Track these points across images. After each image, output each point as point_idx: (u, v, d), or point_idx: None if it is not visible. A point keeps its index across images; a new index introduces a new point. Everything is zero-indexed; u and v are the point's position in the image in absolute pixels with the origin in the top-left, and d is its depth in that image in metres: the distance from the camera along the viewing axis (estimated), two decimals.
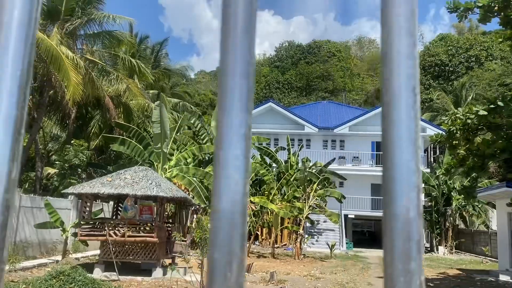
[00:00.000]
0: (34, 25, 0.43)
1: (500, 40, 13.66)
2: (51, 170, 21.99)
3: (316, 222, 25.93)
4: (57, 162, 19.63)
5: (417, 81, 0.46)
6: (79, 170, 18.75)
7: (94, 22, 19.66)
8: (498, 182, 20.80)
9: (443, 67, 56.38)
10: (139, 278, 12.37)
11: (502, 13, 12.63)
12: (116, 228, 12.88)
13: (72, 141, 19.26)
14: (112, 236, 12.66)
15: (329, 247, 21.77)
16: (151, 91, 27.15)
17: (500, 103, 11.36)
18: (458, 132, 12.61)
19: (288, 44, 77.28)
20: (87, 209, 13.29)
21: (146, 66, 23.83)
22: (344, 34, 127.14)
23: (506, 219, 17.85)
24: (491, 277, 16.71)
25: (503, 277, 16.45)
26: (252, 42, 0.47)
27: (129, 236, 12.72)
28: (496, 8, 12.58)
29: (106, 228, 12.80)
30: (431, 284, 14.15)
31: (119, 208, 14.74)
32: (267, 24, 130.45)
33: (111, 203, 16.10)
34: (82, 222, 13.11)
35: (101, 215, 15.70)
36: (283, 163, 25.11)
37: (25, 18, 0.42)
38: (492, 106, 11.68)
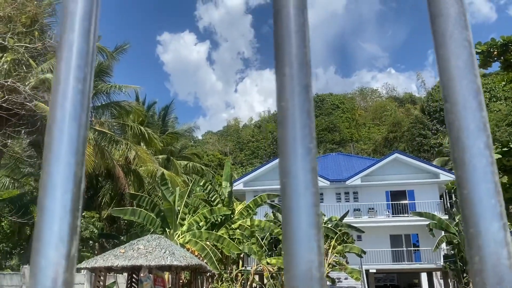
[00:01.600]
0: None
1: (503, 83, 13.73)
2: None
3: (337, 280, 24.97)
4: None
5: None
6: (91, 242, 18.48)
7: (101, 94, 20.22)
8: None
9: None
10: None
11: (501, 57, 12.78)
12: None
13: (83, 213, 19.17)
14: None
15: None
16: (160, 156, 27.37)
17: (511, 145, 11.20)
18: None
19: None
20: (101, 283, 12.93)
21: (155, 132, 24.17)
22: (346, 86, 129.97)
23: None
24: None
25: None
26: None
27: None
28: (495, 53, 12.75)
29: None
30: None
31: (133, 279, 14.34)
32: (269, 81, 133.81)
33: (125, 274, 15.71)
34: None
35: None
36: None
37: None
38: (505, 149, 11.51)
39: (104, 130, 20.41)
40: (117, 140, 20.14)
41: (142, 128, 21.14)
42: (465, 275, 26.48)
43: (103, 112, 21.05)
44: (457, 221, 25.57)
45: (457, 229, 26.70)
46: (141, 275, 12.37)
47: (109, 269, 13.22)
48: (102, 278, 12.92)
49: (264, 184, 30.93)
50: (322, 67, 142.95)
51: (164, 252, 12.48)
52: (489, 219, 0.40)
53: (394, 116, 66.14)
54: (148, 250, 12.68)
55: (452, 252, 27.18)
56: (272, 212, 24.43)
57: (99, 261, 12.48)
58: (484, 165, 0.42)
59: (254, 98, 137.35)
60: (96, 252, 21.27)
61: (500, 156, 11.50)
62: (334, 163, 37.18)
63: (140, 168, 22.26)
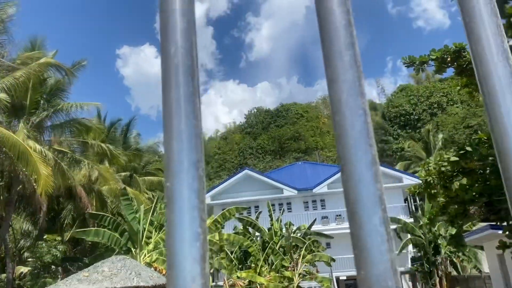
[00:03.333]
0: None
1: (458, 87, 14.21)
2: (24, 269, 20.77)
3: None
4: (29, 260, 18.60)
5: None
6: (53, 267, 17.75)
7: (61, 112, 19.62)
8: (483, 224, 20.78)
9: (408, 116, 58.34)
10: None
11: (455, 63, 13.25)
12: None
13: (44, 236, 18.41)
14: None
15: None
16: (123, 174, 26.74)
17: (468, 148, 11.58)
18: (435, 181, 12.69)
19: (256, 110, 79.17)
20: None
21: (117, 149, 23.62)
22: (309, 95, 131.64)
23: (497, 260, 17.64)
24: None
25: None
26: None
27: None
28: (449, 59, 13.20)
29: None
30: None
31: None
32: (233, 93, 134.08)
33: None
34: None
35: None
36: (267, 231, 24.55)
37: None
38: (461, 151, 11.88)
39: (63, 149, 19.77)
40: (77, 159, 19.54)
41: (103, 145, 20.61)
42: (430, 276, 27.07)
43: (62, 131, 20.40)
44: (421, 224, 26.17)
45: (422, 231, 27.33)
46: None
47: None
48: None
49: (232, 197, 30.76)
50: (286, 76, 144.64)
51: (130, 273, 12.10)
52: None
53: None
54: (113, 272, 12.26)
55: (419, 254, 27.76)
56: (242, 225, 24.26)
57: (61, 286, 11.95)
58: (379, 243, 0.43)
59: (219, 109, 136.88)
60: (60, 276, 20.43)
61: (457, 159, 11.86)
62: (300, 172, 37.45)
63: (103, 187, 21.65)
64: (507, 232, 13.03)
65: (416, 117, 57.90)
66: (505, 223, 13.27)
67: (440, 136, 41.57)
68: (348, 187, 0.44)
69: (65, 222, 21.53)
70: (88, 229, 17.64)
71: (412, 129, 57.03)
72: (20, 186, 18.74)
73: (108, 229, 17.41)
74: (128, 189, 21.75)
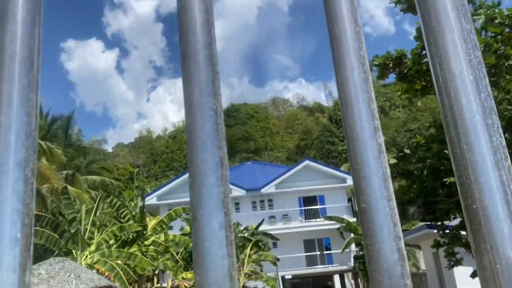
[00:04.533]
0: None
1: (399, 93, 14.82)
2: None
3: None
4: None
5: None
6: None
7: None
8: (420, 223, 21.82)
9: None
10: None
11: (396, 69, 13.83)
12: None
13: None
14: None
15: None
16: (64, 172, 25.65)
17: (407, 151, 12.10)
18: None
19: None
20: None
21: (58, 146, 22.62)
22: (260, 96, 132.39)
23: (432, 259, 18.58)
24: None
25: None
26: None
27: None
28: (391, 65, 13.75)
29: None
30: None
31: None
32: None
33: None
34: None
35: None
36: None
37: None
38: (400, 154, 12.39)
39: None
40: None
41: (42, 143, 19.66)
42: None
43: None
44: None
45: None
46: None
47: None
48: None
49: (179, 197, 30.36)
50: (237, 76, 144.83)
51: (69, 276, 11.63)
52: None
53: (305, 125, 68.86)
54: (50, 275, 11.73)
55: (361, 253, 28.71)
56: (189, 226, 24.00)
57: None
58: (217, 248, 0.42)
59: (168, 107, 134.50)
60: None
61: (396, 161, 12.37)
62: (249, 172, 37.62)
63: (43, 186, 20.68)
64: (441, 232, 13.77)
65: None
66: (440, 223, 14.01)
67: (382, 139, 43.14)
68: (192, 190, 0.43)
69: None
70: None
71: None
72: None
73: (47, 230, 16.66)
74: (70, 187, 20.92)
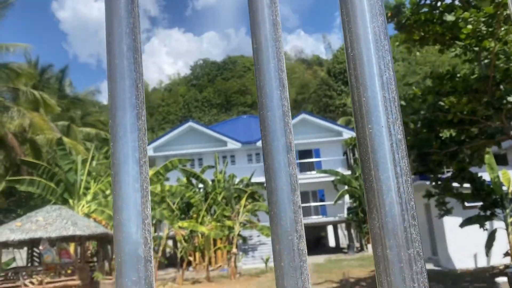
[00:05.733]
0: None
1: (397, 44, 14.56)
2: None
3: (249, 238, 25.78)
4: None
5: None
6: None
7: None
8: (413, 176, 22.08)
9: None
10: None
11: (395, 19, 13.52)
12: (33, 276, 11.76)
13: None
14: (27, 286, 11.52)
15: (263, 261, 21.69)
16: (59, 123, 25.56)
17: (402, 103, 12.04)
18: None
19: (203, 61, 77.45)
20: None
21: (52, 97, 22.39)
22: None
23: (423, 209, 18.96)
24: None
25: (427, 266, 17.36)
26: None
27: (47, 283, 11.66)
28: (389, 14, 13.43)
29: (20, 278, 11.63)
30: (364, 284, 14.52)
31: (34, 253, 13.54)
32: (178, 43, 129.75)
33: (26, 248, 14.75)
34: None
35: (14, 265, 14.31)
36: (210, 182, 24.75)
37: None
38: None
39: None
40: (6, 106, 18.37)
41: (35, 92, 19.44)
42: (364, 225, 28.76)
43: None
44: (357, 175, 27.41)
45: (358, 183, 28.68)
46: (41, 248, 11.69)
47: (4, 245, 12.30)
48: None
49: (175, 149, 30.49)
50: (234, 28, 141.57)
51: (66, 223, 11.86)
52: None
53: (302, 78, 68.15)
54: (48, 222, 11.95)
55: (354, 204, 29.28)
56: (185, 177, 24.24)
57: None
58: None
59: (163, 60, 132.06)
60: None
61: None
62: (245, 126, 37.61)
63: (37, 137, 20.65)
64: (433, 183, 13.99)
65: None
66: (432, 175, 14.19)
67: None
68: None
69: None
70: (21, 177, 16.91)
71: None
72: None
73: (43, 179, 16.80)
74: (65, 139, 20.92)
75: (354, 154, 38.15)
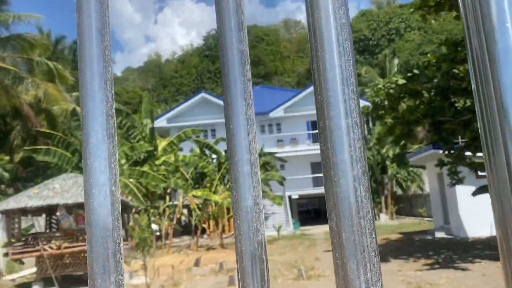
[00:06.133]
0: None
1: (412, 10, 14.22)
2: None
3: None
4: None
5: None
6: (3, 186, 17.51)
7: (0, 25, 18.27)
8: (426, 145, 21.94)
9: (366, 42, 58.51)
10: None
11: None
12: (52, 242, 12.18)
13: None
14: (47, 250, 11.95)
15: (276, 229, 22.03)
16: (73, 94, 25.81)
17: (416, 71, 11.87)
18: (383, 102, 13.07)
19: (215, 32, 76.56)
20: (16, 225, 12.45)
21: (65, 68, 22.55)
22: (270, 17, 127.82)
23: (436, 179, 18.92)
24: (428, 236, 17.71)
25: (438, 234, 17.48)
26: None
27: (65, 248, 12.08)
28: None
29: (39, 243, 12.06)
30: None
31: (52, 220, 13.96)
32: (191, 13, 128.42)
33: (44, 216, 15.21)
34: (12, 240, 12.27)
35: (33, 231, 14.80)
36: (223, 153, 24.96)
37: None
38: (409, 74, 12.17)
39: (7, 66, 18.68)
40: (21, 77, 18.59)
41: (49, 63, 19.60)
42: (376, 195, 28.83)
43: (4, 46, 19.12)
44: (370, 145, 27.32)
45: (371, 153, 28.62)
46: (58, 214, 12.05)
47: (24, 211, 12.72)
48: (16, 220, 12.41)
49: (189, 120, 30.66)
50: None
51: (82, 190, 12.17)
52: None
53: None
54: (64, 189, 12.29)
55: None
56: (198, 147, 24.48)
57: (11, 203, 11.93)
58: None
59: (176, 30, 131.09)
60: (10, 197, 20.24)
61: (404, 81, 12.18)
62: (258, 96, 37.48)
63: (53, 107, 20.94)
64: (446, 152, 13.89)
65: (374, 42, 58.18)
66: (445, 143, 14.08)
67: (396, 62, 42.24)
68: None
69: (14, 142, 20.94)
70: (38, 147, 17.28)
71: (370, 55, 57.52)
72: None
73: (59, 149, 17.14)
74: (79, 109, 21.16)
75: (368, 126, 37.91)
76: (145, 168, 19.32)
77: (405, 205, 30.08)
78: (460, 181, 13.59)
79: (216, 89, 63.11)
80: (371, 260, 0.40)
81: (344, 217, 0.41)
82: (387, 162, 28.44)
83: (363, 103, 20.09)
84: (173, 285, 10.92)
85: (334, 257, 0.41)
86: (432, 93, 13.03)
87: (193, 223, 21.10)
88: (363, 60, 56.40)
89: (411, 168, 28.38)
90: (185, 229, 25.06)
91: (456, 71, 11.88)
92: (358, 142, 0.43)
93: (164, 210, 20.65)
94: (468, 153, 13.69)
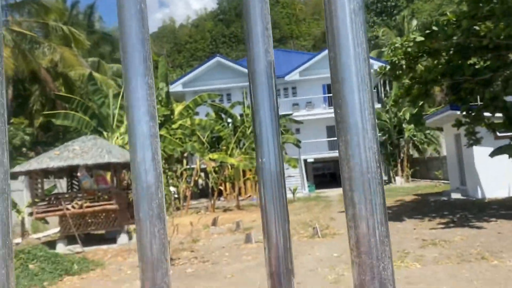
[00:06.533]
0: None
1: None
2: None
3: None
4: None
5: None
6: (24, 149, 17.96)
7: None
8: (444, 106, 21.61)
9: (385, 3, 56.83)
10: (104, 247, 12.26)
11: None
12: (74, 201, 12.57)
13: (10, 120, 18.30)
14: (69, 210, 12.36)
15: (291, 191, 22.28)
16: (89, 59, 25.91)
17: (435, 28, 11.55)
18: (401, 61, 12.83)
19: None
20: (39, 186, 12.86)
21: (81, 32, 22.56)
22: None
23: (453, 140, 18.74)
24: (444, 197, 17.72)
25: (454, 195, 17.47)
26: None
27: (87, 207, 12.47)
28: None
29: (62, 203, 12.46)
30: (390, 211, 14.83)
31: (73, 181, 14.36)
32: None
33: (65, 178, 15.65)
34: (36, 200, 12.70)
35: (55, 191, 15.26)
36: (239, 117, 25.02)
37: None
38: (428, 31, 11.87)
39: (23, 30, 18.78)
40: (39, 41, 18.69)
41: (64, 27, 19.62)
42: (392, 158, 28.74)
43: (20, 11, 19.18)
44: (387, 108, 27.03)
45: (388, 116, 28.35)
46: (78, 174, 12.38)
47: (46, 172, 13.08)
48: (39, 181, 12.80)
49: (204, 85, 30.62)
50: None
51: (101, 151, 12.43)
52: None
53: None
54: (84, 150, 12.56)
55: (383, 138, 29.14)
56: (214, 111, 24.56)
57: (33, 164, 12.27)
58: None
59: None
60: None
61: (423, 39, 11.88)
62: None
63: (70, 72, 21.11)
64: (464, 112, 13.68)
65: (392, 3, 56.48)
66: (463, 103, 13.86)
67: (415, 23, 41.10)
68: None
69: (34, 107, 21.32)
70: (57, 111, 17.56)
71: (388, 16, 55.96)
72: None
73: (78, 113, 17.40)
74: (95, 74, 21.31)
75: (385, 89, 37.33)
76: (162, 132, 19.53)
77: (421, 168, 29.97)
78: (477, 142, 13.45)
79: (231, 54, 62.53)
80: (381, 219, 0.44)
81: (355, 178, 0.44)
82: (404, 125, 28.18)
83: (381, 64, 19.74)
84: (191, 241, 11.26)
85: (347, 216, 0.45)
86: (451, 52, 12.72)
87: (210, 185, 21.46)
88: (380, 22, 54.97)
89: (428, 131, 28.10)
90: (202, 192, 25.52)
91: (477, 28, 11.53)
92: (368, 104, 0.47)
93: (181, 173, 21.00)
94: (486, 114, 13.47)
